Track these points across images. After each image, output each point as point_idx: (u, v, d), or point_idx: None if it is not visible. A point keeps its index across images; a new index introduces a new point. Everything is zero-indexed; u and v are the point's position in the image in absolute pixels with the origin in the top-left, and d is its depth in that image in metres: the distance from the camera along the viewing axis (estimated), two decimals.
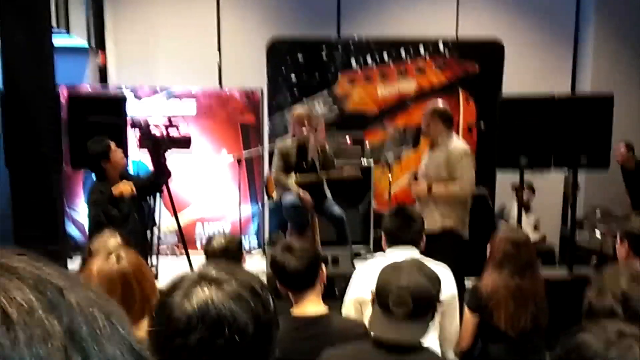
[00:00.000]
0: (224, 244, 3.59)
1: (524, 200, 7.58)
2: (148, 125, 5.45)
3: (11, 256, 0.60)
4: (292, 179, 6.31)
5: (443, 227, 5.35)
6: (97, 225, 4.79)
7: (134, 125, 5.47)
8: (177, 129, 5.51)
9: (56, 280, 0.59)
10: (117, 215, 5.30)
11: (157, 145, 5.43)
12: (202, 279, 1.23)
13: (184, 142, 5.60)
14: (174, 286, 1.25)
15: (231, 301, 1.18)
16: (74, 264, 5.73)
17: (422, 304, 2.38)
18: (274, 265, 2.91)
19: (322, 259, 3.00)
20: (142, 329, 2.16)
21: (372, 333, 2.48)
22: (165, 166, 5.56)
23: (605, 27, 8.67)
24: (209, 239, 3.73)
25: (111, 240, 3.37)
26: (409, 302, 2.35)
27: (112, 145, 5.43)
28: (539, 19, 8.93)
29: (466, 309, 3.90)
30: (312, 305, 2.86)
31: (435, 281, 2.50)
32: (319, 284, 2.93)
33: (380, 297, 2.44)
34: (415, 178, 5.61)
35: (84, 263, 3.19)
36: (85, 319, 0.58)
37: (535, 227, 7.85)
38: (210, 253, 3.59)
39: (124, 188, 5.34)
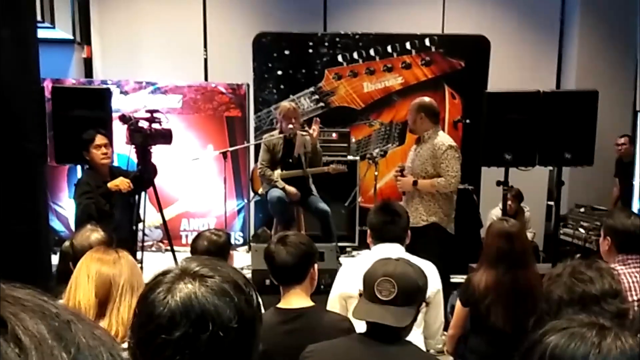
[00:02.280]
0: (211, 242, 3.56)
1: (507, 209, 7.50)
2: (137, 121, 5.43)
3: (19, 289, 0.65)
4: (277, 174, 6.33)
5: (428, 221, 5.38)
6: (89, 218, 4.78)
7: (123, 120, 5.45)
8: (160, 123, 5.49)
9: (64, 313, 0.64)
10: (108, 209, 5.31)
11: (145, 141, 5.42)
12: (185, 274, 1.22)
13: (167, 137, 5.58)
14: (157, 282, 1.24)
15: (215, 296, 1.17)
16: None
17: (407, 291, 2.39)
18: (266, 254, 2.93)
19: (315, 257, 2.99)
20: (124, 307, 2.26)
21: (355, 320, 2.49)
22: (151, 162, 5.55)
23: (591, 23, 8.71)
24: (197, 237, 3.69)
25: (94, 234, 3.36)
26: (393, 286, 2.36)
27: (99, 141, 5.42)
28: (524, 16, 8.97)
29: (457, 301, 3.93)
30: (297, 299, 2.87)
31: (423, 277, 2.51)
32: (308, 280, 2.93)
33: (366, 284, 2.46)
34: (402, 172, 5.62)
35: (64, 256, 3.20)
36: (89, 350, 0.62)
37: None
38: (197, 251, 3.56)
39: (122, 184, 5.33)
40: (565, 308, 2.34)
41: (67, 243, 3.55)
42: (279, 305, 2.89)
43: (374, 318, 2.38)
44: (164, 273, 1.25)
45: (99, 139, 5.44)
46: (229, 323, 1.16)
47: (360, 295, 2.53)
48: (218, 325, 1.15)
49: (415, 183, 5.40)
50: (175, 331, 1.15)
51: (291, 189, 6.27)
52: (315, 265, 2.97)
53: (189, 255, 3.70)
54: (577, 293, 2.34)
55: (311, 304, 2.89)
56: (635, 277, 3.39)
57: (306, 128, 6.47)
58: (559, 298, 2.38)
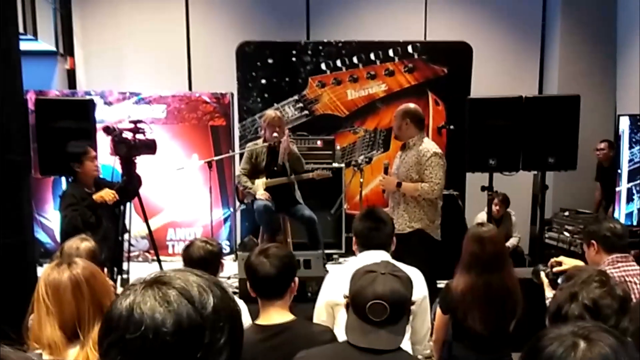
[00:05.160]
0: (207, 251, 3.56)
1: (494, 213, 7.49)
2: (121, 132, 5.43)
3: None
4: (259, 181, 6.34)
5: (413, 228, 5.40)
6: (74, 230, 4.77)
7: (107, 131, 5.44)
8: (144, 133, 5.49)
9: None
10: (94, 221, 5.29)
11: (129, 152, 5.42)
12: (148, 282, 1.27)
13: (151, 147, 5.58)
14: (125, 289, 1.29)
15: (157, 302, 1.21)
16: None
17: (398, 309, 2.38)
18: (247, 267, 2.89)
19: (296, 270, 2.96)
20: (95, 332, 2.25)
21: (348, 340, 2.47)
22: (136, 172, 5.54)
23: (572, 29, 8.78)
24: (188, 245, 3.69)
25: (84, 243, 3.36)
26: (385, 308, 2.35)
27: (91, 153, 5.44)
28: (506, 22, 9.03)
29: (437, 309, 3.95)
30: (277, 314, 2.83)
31: (408, 282, 2.51)
32: (289, 294, 2.90)
33: (357, 304, 2.42)
34: (386, 170, 5.64)
35: None
36: None
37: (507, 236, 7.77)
38: (188, 260, 3.55)
39: (107, 195, 5.32)
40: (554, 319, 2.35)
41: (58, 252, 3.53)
42: (258, 322, 2.85)
43: (369, 344, 2.35)
44: (135, 282, 1.30)
45: (92, 151, 5.47)
46: (161, 327, 1.19)
47: (347, 305, 2.50)
48: (151, 329, 1.19)
49: (399, 185, 5.43)
50: (117, 333, 1.21)
51: (264, 194, 6.28)
52: (296, 279, 2.92)
53: (176, 264, 3.70)
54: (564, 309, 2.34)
55: (292, 317, 2.85)
56: (626, 279, 3.45)
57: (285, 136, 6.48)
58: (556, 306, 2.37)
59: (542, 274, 3.81)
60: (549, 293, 3.72)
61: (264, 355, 2.69)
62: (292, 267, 2.91)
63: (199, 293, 1.26)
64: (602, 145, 8.05)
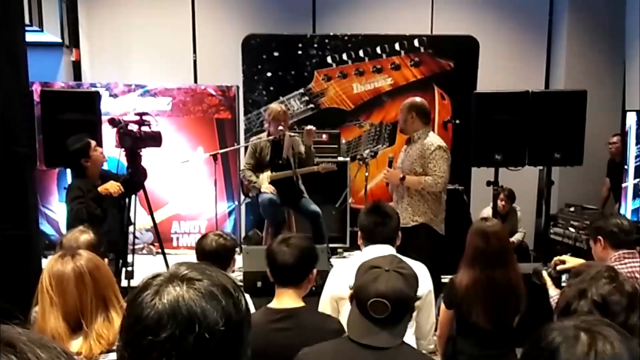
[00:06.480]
0: (216, 245, 3.56)
1: (500, 208, 7.46)
2: (127, 124, 5.42)
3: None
4: (264, 175, 6.33)
5: (418, 222, 5.39)
6: (80, 222, 4.77)
7: (112, 123, 5.44)
8: (149, 126, 5.48)
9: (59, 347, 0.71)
10: (100, 214, 5.30)
11: (134, 144, 5.41)
12: (174, 277, 1.24)
13: (157, 140, 5.57)
14: (146, 284, 1.25)
15: (202, 299, 1.19)
16: None
17: (400, 308, 2.37)
18: (268, 253, 2.98)
19: (315, 261, 3.02)
20: (98, 323, 2.31)
21: (349, 335, 2.47)
22: (141, 165, 5.54)
23: (579, 23, 8.75)
24: (202, 237, 3.69)
25: (83, 235, 3.36)
26: (387, 306, 2.33)
27: (93, 143, 5.44)
28: (513, 16, 9.00)
29: (442, 304, 3.95)
30: (288, 300, 2.90)
31: (413, 279, 2.48)
32: (305, 284, 2.97)
33: (359, 301, 2.41)
34: (390, 164, 5.64)
35: None
36: None
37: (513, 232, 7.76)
38: (200, 251, 3.57)
39: (112, 187, 5.32)
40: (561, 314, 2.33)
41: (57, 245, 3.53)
42: (270, 305, 2.93)
43: (370, 340, 2.35)
44: (154, 276, 1.27)
45: (92, 141, 5.46)
46: (215, 325, 1.17)
47: (352, 297, 2.49)
48: (204, 327, 1.16)
49: (403, 178, 5.42)
50: (162, 333, 1.16)
51: (268, 187, 6.28)
52: (314, 270, 2.99)
53: (182, 257, 3.70)
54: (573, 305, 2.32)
55: (302, 304, 2.93)
56: (635, 276, 3.45)
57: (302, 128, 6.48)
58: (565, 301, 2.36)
59: (544, 273, 3.81)
60: (553, 292, 3.73)
61: (272, 336, 2.76)
62: (311, 258, 2.98)
63: (233, 289, 1.25)
64: (615, 139, 7.96)
